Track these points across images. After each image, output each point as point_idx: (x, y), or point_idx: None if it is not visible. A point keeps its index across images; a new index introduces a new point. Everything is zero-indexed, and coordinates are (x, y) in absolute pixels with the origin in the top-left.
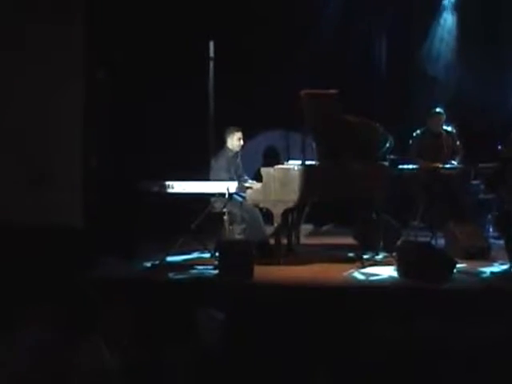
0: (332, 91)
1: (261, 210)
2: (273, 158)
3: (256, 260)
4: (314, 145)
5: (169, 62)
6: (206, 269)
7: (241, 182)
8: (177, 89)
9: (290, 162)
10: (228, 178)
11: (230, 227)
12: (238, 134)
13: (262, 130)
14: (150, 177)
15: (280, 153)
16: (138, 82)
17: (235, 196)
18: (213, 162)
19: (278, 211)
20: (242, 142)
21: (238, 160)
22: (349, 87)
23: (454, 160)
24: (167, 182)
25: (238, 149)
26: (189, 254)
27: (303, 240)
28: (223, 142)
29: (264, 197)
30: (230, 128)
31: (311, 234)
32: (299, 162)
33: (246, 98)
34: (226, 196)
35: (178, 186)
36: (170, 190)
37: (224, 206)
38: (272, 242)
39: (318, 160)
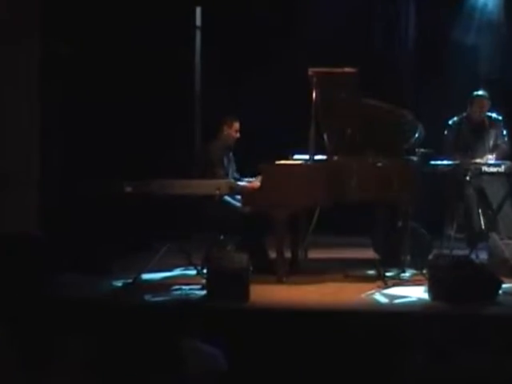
0: (350, 69)
1: (260, 215)
2: (274, 152)
3: (253, 278)
4: (325, 136)
5: (147, 32)
6: (192, 289)
7: (236, 180)
8: (156, 66)
9: (296, 157)
10: (224, 174)
11: (222, 237)
12: (236, 125)
13: (260, 119)
14: (123, 175)
15: (284, 146)
16: (107, 60)
17: (229, 198)
18: (201, 156)
19: (280, 217)
20: (238, 134)
21: (231, 156)
22: (370, 66)
23: (495, 154)
24: (144, 181)
25: (233, 141)
26: (170, 270)
27: (312, 253)
28: (213, 133)
29: (264, 199)
30: (229, 117)
31: (321, 246)
32: (307, 157)
33: (240, 78)
34: (218, 198)
35: (157, 186)
36: (147, 191)
37: (215, 211)
38: (273, 255)
39: (331, 155)
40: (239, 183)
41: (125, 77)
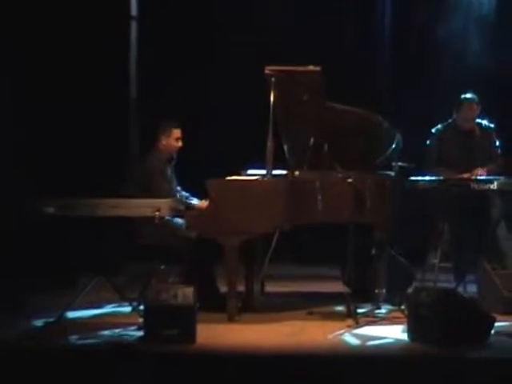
0: (313, 68)
1: (208, 240)
2: (224, 166)
3: (200, 316)
4: (285, 147)
5: (76, 25)
6: (126, 330)
7: (181, 198)
8: (85, 63)
9: (250, 172)
10: (167, 190)
11: (163, 267)
12: (177, 133)
13: (207, 126)
14: (44, 192)
15: (235, 159)
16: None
17: (172, 220)
18: (138, 170)
19: (232, 244)
20: (180, 143)
21: (173, 170)
22: (338, 65)
23: (487, 167)
24: (69, 200)
25: (174, 151)
26: (100, 307)
27: (270, 286)
28: (150, 141)
29: (212, 223)
30: (167, 123)
31: (280, 278)
32: (263, 172)
33: (182, 78)
34: (158, 220)
35: (84, 206)
36: (72, 212)
37: (154, 235)
38: (224, 288)
39: (292, 169)
40: (186, 202)
41: (46, 74)
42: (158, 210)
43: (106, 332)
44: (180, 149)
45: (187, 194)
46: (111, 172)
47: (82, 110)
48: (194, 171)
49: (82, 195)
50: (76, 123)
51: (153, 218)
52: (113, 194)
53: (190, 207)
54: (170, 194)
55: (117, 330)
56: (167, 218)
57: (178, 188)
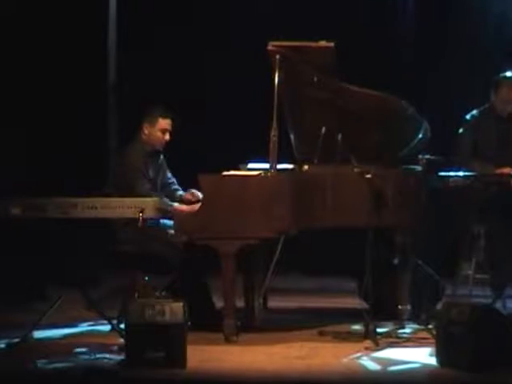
0: (325, 43)
1: (200, 249)
2: (221, 159)
3: (192, 336)
4: (292, 137)
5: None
6: (104, 352)
7: (166, 195)
8: (54, 41)
9: (251, 165)
10: (147, 188)
11: (146, 278)
12: (165, 123)
13: (200, 113)
14: (9, 191)
15: (234, 151)
16: None
17: (158, 222)
18: (117, 165)
19: (228, 251)
20: (168, 136)
21: (161, 162)
22: (355, 41)
23: None
24: (37, 200)
25: (159, 145)
26: (74, 325)
27: (274, 301)
28: (133, 132)
29: (205, 226)
30: (153, 110)
31: (286, 291)
32: (266, 166)
33: (171, 59)
34: (142, 223)
35: (55, 207)
36: (41, 214)
37: (137, 241)
38: (220, 303)
39: (299, 163)
40: (175, 202)
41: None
42: (142, 211)
43: (81, 355)
44: (166, 143)
45: (179, 190)
46: (88, 167)
47: (52, 95)
48: (187, 165)
49: (53, 194)
50: (45, 111)
51: (135, 220)
52: (90, 193)
53: (178, 208)
54: (150, 194)
55: (93, 353)
56: (152, 220)
57: (172, 180)
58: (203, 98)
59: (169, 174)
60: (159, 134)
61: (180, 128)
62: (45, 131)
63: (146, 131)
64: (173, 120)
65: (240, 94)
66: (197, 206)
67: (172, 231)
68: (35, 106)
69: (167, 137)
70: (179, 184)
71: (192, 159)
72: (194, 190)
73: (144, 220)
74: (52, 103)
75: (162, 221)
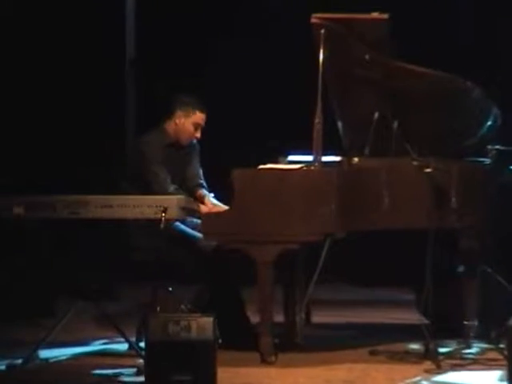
0: (378, 15)
1: (233, 252)
2: (257, 152)
3: (223, 356)
4: (339, 124)
5: None
6: (121, 374)
7: (198, 195)
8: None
9: (291, 158)
10: (170, 187)
11: (170, 289)
12: (200, 118)
13: (231, 100)
14: (12, 188)
15: (271, 142)
16: None
17: (182, 225)
18: (135, 157)
19: (265, 258)
20: (199, 134)
21: (192, 157)
22: (412, 12)
23: None
24: (43, 198)
25: (186, 140)
26: (85, 343)
27: (317, 315)
28: (153, 121)
29: (237, 229)
30: (190, 101)
31: (332, 304)
32: (309, 159)
33: (199, 42)
34: (164, 225)
35: (64, 206)
36: (47, 214)
37: (159, 246)
38: (255, 318)
39: (348, 154)
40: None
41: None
42: (165, 211)
43: (94, 378)
44: (196, 139)
45: (205, 191)
46: (102, 158)
47: (67, 83)
48: (215, 161)
49: (60, 191)
50: (55, 93)
51: (157, 221)
52: (104, 191)
53: (207, 208)
54: (167, 190)
55: (108, 375)
56: (177, 222)
57: (196, 172)
58: (232, 78)
59: (195, 170)
60: (192, 128)
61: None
62: (55, 120)
63: (178, 121)
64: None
65: (277, 75)
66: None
67: (199, 235)
68: (43, 91)
69: (198, 134)
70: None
71: (222, 152)
72: (211, 200)
73: (167, 221)
74: (64, 84)
75: (188, 222)
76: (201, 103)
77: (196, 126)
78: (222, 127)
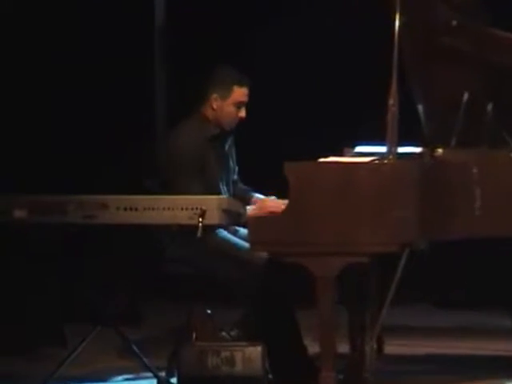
0: None
1: (285, 269)
2: (315, 142)
3: None
4: (419, 108)
5: None
6: None
7: (236, 196)
8: None
9: (359, 149)
10: (205, 187)
11: (209, 312)
12: (242, 94)
13: (286, 81)
14: (15, 186)
15: (334, 130)
16: None
17: (225, 233)
18: (166, 153)
19: (327, 273)
20: (243, 112)
21: (229, 148)
22: None
23: None
24: (49, 199)
25: (231, 125)
26: (103, 379)
27: (392, 346)
28: (186, 106)
29: (292, 237)
30: (225, 74)
31: (412, 332)
32: (382, 150)
33: (241, 20)
34: (202, 233)
35: (76, 208)
36: (56, 218)
37: (196, 258)
38: (314, 348)
39: (431, 145)
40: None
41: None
42: (202, 215)
43: None
44: (241, 121)
45: (250, 190)
46: (125, 150)
47: (82, 68)
48: (268, 156)
49: (73, 190)
50: (68, 71)
51: (193, 228)
52: (127, 190)
53: (255, 211)
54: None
55: None
56: (218, 228)
57: (235, 177)
58: (284, 54)
59: (235, 167)
60: (233, 108)
61: (257, 104)
62: (69, 105)
63: (215, 106)
64: (250, 89)
65: (340, 47)
66: (281, 209)
67: (247, 245)
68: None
69: (243, 113)
70: (251, 182)
71: (272, 143)
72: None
73: (205, 228)
74: (77, 59)
75: (232, 229)
76: (238, 74)
77: (238, 104)
78: (277, 113)
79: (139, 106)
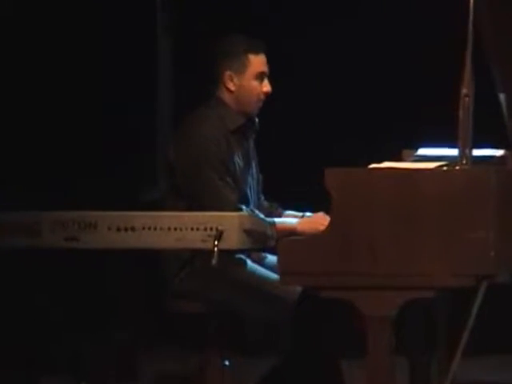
0: None
1: (327, 307)
2: (365, 144)
3: None
4: (500, 96)
5: None
6: None
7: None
8: None
9: (422, 152)
10: (233, 201)
11: (227, 363)
12: (260, 62)
13: (329, 68)
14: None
15: (390, 129)
16: None
17: (251, 262)
18: (173, 158)
19: (382, 312)
20: (267, 85)
21: (252, 150)
22: None
23: None
24: (16, 216)
25: (256, 105)
26: None
27: None
28: (198, 91)
29: (335, 264)
30: (237, 43)
31: None
32: (453, 153)
33: None
34: (215, 261)
35: (49, 229)
36: (25, 241)
37: (209, 295)
38: None
39: None
40: (276, 220)
41: None
42: (219, 237)
43: None
44: (266, 96)
45: (277, 206)
46: (115, 161)
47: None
48: (299, 165)
49: (47, 205)
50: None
51: (207, 253)
52: (122, 206)
53: (287, 229)
54: (239, 207)
55: None
56: (239, 254)
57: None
58: (335, 42)
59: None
60: (254, 82)
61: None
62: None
63: (232, 85)
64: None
65: (398, 27)
66: (320, 224)
67: (275, 276)
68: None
69: (267, 86)
70: (281, 196)
71: (310, 147)
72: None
73: (222, 253)
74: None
75: (264, 257)
76: (249, 40)
77: (258, 76)
78: (322, 114)
79: (136, 96)
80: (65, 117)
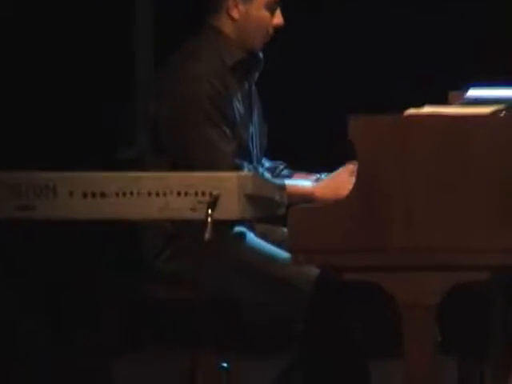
0: None
1: (349, 291)
2: (399, 85)
3: None
4: None
5: None
6: None
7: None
8: None
9: (473, 93)
10: (230, 155)
11: (225, 365)
12: None
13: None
14: None
15: (428, 69)
16: None
17: (253, 237)
18: (166, 98)
19: (422, 300)
20: (280, 17)
21: (254, 94)
22: None
23: None
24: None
25: (263, 40)
26: None
27: None
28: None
29: (364, 238)
30: None
31: None
32: (509, 94)
33: None
34: (207, 234)
35: (7, 197)
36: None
37: (201, 279)
38: None
39: None
40: (287, 182)
41: None
42: (213, 204)
43: None
44: (276, 30)
45: (283, 166)
46: (83, 111)
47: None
48: (319, 109)
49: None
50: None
51: (198, 226)
52: (90, 165)
53: (303, 195)
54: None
55: None
56: (238, 226)
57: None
58: None
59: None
60: (264, 12)
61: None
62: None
63: (236, 12)
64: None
65: None
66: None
67: (285, 255)
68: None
69: (279, 18)
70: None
71: (327, 88)
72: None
73: (218, 224)
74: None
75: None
76: None
77: (270, 4)
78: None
79: (109, 34)
80: (30, 62)
